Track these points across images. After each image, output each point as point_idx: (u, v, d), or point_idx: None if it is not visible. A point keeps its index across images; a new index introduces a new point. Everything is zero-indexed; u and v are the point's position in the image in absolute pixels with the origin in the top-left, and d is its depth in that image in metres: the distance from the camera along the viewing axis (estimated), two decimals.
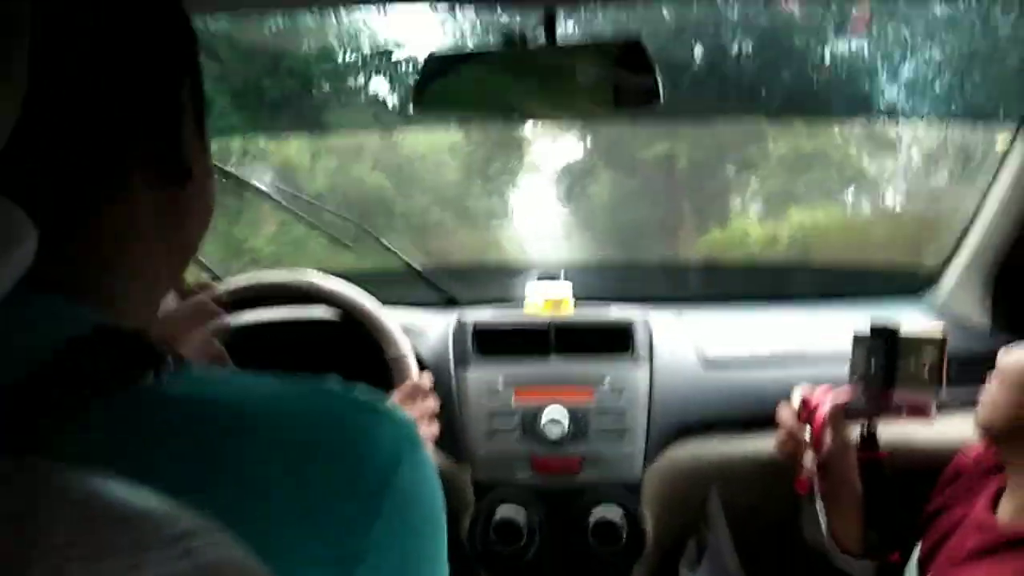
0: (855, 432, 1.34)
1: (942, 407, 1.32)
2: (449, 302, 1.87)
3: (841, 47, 2.03)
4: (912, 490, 1.35)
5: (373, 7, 1.55)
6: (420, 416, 1.27)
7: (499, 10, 1.15)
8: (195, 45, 0.55)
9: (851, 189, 2.21)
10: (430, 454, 1.27)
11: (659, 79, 1.12)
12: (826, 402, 1.31)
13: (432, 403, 1.30)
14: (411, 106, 1.33)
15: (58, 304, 0.46)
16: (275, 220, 2.24)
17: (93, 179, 0.48)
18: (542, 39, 1.17)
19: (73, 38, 0.46)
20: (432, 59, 1.27)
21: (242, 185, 1.85)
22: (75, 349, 0.43)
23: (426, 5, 1.35)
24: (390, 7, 1.49)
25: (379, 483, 0.46)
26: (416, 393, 1.29)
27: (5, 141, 0.38)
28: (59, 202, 0.47)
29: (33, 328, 0.44)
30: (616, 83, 1.14)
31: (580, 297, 1.76)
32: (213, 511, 0.37)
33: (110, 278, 0.50)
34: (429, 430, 1.28)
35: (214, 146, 0.61)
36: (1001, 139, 1.64)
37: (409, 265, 1.88)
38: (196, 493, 0.39)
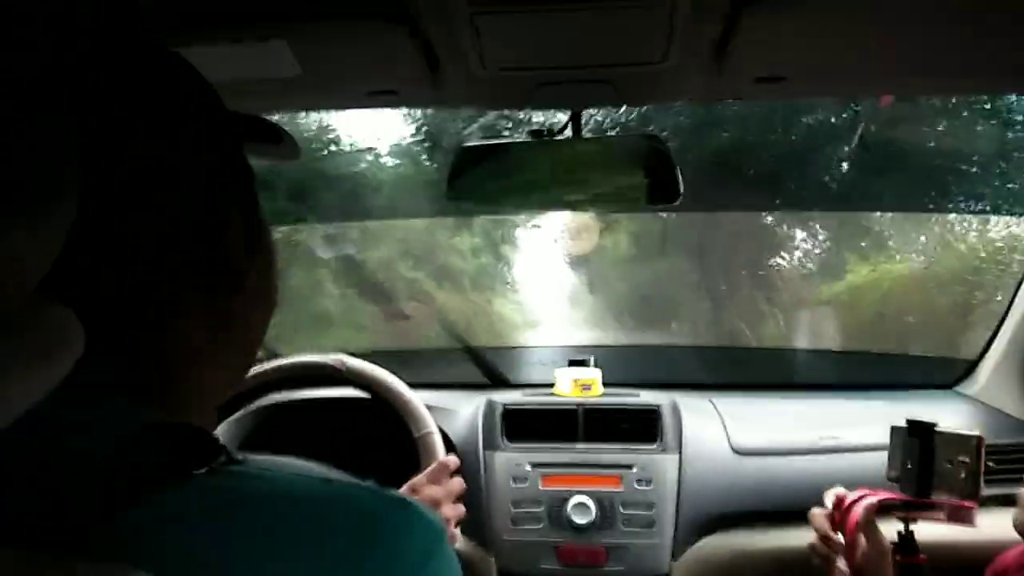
0: (892, 533, 1.30)
1: (981, 504, 1.27)
2: (495, 382, 1.89)
3: (876, 138, 2.06)
4: None
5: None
6: (446, 496, 1.26)
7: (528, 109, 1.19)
8: (239, 163, 0.58)
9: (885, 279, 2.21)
10: (456, 536, 1.28)
11: (679, 176, 1.15)
12: (860, 505, 1.27)
13: (458, 483, 1.30)
14: (445, 195, 1.38)
15: (119, 405, 0.48)
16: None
17: (148, 292, 0.50)
18: (569, 132, 1.21)
19: (126, 155, 0.49)
20: (464, 150, 1.33)
21: None
22: (126, 445, 0.45)
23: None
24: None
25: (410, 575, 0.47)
26: (443, 473, 1.29)
27: (59, 251, 0.41)
28: (120, 314, 0.50)
29: (91, 428, 0.46)
30: (639, 179, 1.17)
31: (610, 383, 1.76)
32: None
33: (170, 382, 0.52)
34: (455, 510, 1.28)
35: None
36: None
37: (464, 344, 1.91)
38: None
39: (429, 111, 1.81)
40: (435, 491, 1.25)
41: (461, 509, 1.29)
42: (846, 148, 2.09)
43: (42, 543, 0.39)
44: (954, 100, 1.95)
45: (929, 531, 1.31)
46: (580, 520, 1.44)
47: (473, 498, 1.50)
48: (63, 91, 0.43)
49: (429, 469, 1.29)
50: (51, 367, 0.42)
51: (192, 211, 0.52)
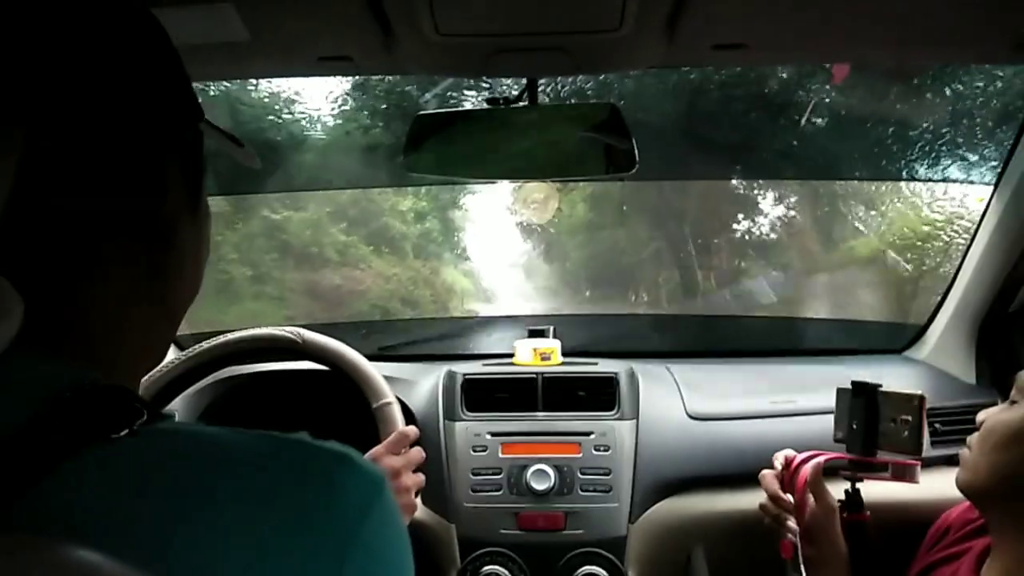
0: (839, 494, 1.34)
1: (926, 464, 1.31)
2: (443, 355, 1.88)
3: (829, 110, 2.09)
4: (897, 550, 1.34)
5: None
6: (406, 465, 1.26)
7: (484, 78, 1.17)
8: (189, 120, 0.58)
9: (837, 247, 2.25)
10: (416, 505, 1.28)
11: (634, 144, 1.15)
12: (808, 465, 1.30)
13: (417, 453, 1.31)
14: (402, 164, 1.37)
15: (42, 365, 0.48)
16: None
17: (77, 249, 0.50)
18: (524, 101, 1.20)
19: (65, 114, 0.48)
20: (419, 118, 1.31)
21: None
22: (53, 406, 0.44)
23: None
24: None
25: (346, 532, 0.47)
26: (402, 443, 1.29)
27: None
28: (45, 272, 0.49)
29: (13, 389, 0.45)
30: (594, 146, 1.17)
31: (568, 353, 1.78)
32: (180, 559, 0.38)
33: (99, 341, 0.52)
34: (414, 479, 1.28)
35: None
36: (979, 199, 1.67)
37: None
38: (163, 542, 0.40)
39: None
40: (394, 461, 1.25)
41: (421, 478, 1.29)
42: (801, 117, 2.12)
43: None
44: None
45: (876, 490, 1.35)
46: (539, 487, 1.46)
47: (434, 468, 1.51)
48: (10, 43, 0.42)
49: (388, 439, 1.29)
50: None
51: (135, 169, 0.52)
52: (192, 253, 0.59)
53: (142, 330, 0.55)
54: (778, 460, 1.35)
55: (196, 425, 0.49)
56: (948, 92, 2.00)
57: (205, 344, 1.47)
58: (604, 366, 1.69)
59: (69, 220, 0.49)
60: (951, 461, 1.37)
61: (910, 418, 1.28)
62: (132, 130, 0.51)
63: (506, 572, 1.41)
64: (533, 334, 1.77)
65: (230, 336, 1.48)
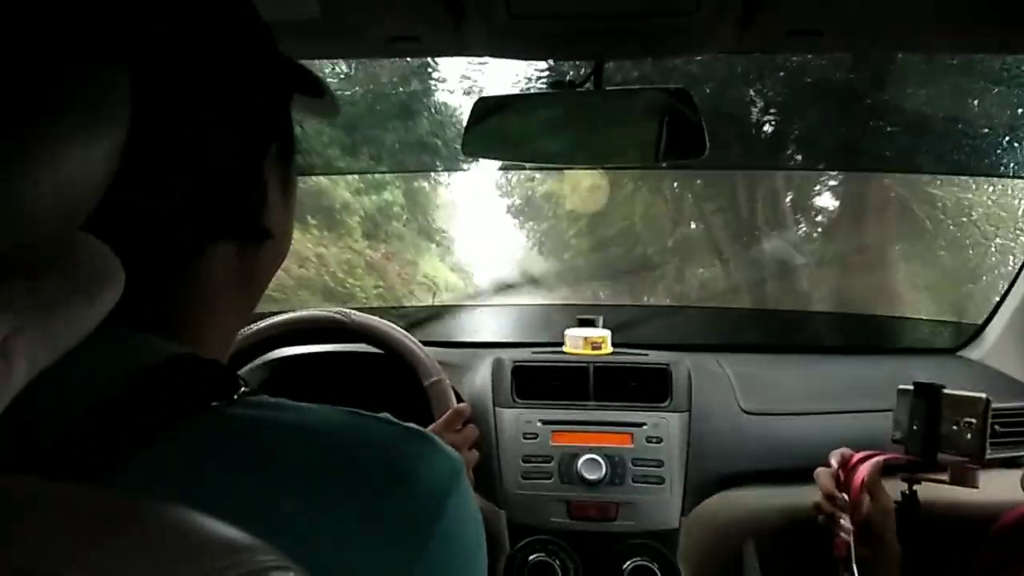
0: (895, 495, 1.32)
1: (986, 466, 1.29)
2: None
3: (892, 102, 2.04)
4: (952, 552, 1.32)
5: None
6: (463, 442, 1.28)
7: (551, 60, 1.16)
8: (285, 114, 0.57)
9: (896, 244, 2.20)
10: (472, 482, 1.28)
11: (704, 131, 1.13)
12: (865, 464, 1.29)
13: (472, 430, 1.31)
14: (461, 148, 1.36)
15: (142, 338, 0.48)
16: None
17: (183, 237, 0.50)
18: (591, 84, 1.19)
19: (172, 102, 0.47)
20: (481, 102, 1.30)
21: None
22: (152, 375, 0.45)
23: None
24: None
25: (430, 510, 0.47)
26: (457, 420, 1.30)
27: (103, 190, 0.39)
28: (151, 254, 0.49)
29: (111, 356, 0.46)
30: (662, 132, 1.16)
31: (617, 344, 1.76)
32: (269, 530, 0.38)
33: (193, 320, 0.52)
34: (470, 455, 1.29)
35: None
36: None
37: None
38: (255, 513, 0.40)
39: None
40: (453, 438, 1.26)
41: (476, 455, 1.31)
42: (856, 108, 2.07)
43: (65, 475, 0.39)
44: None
45: (933, 493, 1.33)
46: (591, 476, 1.45)
47: (484, 454, 1.50)
48: (119, 17, 0.41)
49: (444, 417, 1.30)
50: (98, 306, 0.41)
51: (234, 153, 0.51)
52: (284, 242, 0.60)
53: (232, 313, 0.56)
54: (834, 458, 1.33)
55: (286, 401, 0.50)
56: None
57: (254, 326, 1.48)
58: (655, 357, 1.67)
59: (175, 210, 0.49)
60: (1009, 463, 1.35)
61: (974, 421, 1.26)
62: (231, 106, 0.51)
63: (556, 560, 1.40)
64: (583, 323, 1.76)
65: (278, 318, 1.49)
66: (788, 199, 2.27)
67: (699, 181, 2.35)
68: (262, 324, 1.49)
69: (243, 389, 0.47)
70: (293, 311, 1.50)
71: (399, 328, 1.47)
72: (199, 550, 0.33)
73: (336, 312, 1.47)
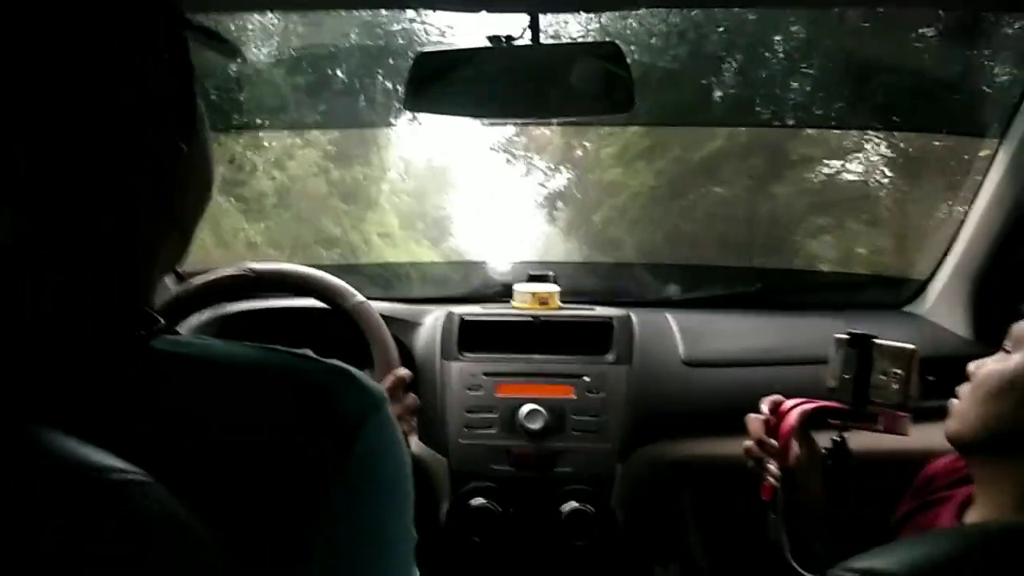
0: (825, 442, 1.34)
1: (916, 416, 1.32)
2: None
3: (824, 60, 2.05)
4: (882, 499, 1.36)
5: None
6: (402, 412, 1.28)
7: (485, 12, 1.17)
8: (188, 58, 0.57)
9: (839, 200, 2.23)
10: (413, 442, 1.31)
11: (632, 85, 1.14)
12: (795, 411, 1.31)
13: (414, 400, 1.32)
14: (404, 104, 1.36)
15: (56, 277, 0.49)
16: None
17: (81, 158, 0.50)
18: (527, 39, 1.20)
19: (59, 32, 0.47)
20: (421, 57, 1.31)
21: None
22: (63, 315, 0.47)
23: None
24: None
25: (344, 439, 0.49)
26: (398, 387, 1.30)
27: None
28: (49, 182, 0.49)
29: (24, 297, 0.47)
30: (594, 85, 1.17)
31: (568, 299, 1.79)
32: (182, 461, 0.40)
33: (107, 252, 0.52)
34: (409, 426, 1.30)
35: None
36: (983, 154, 1.65)
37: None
38: (169, 444, 0.42)
39: None
40: (393, 409, 1.25)
41: (415, 424, 1.33)
42: (804, 65, 2.08)
43: None
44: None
45: (865, 441, 1.36)
46: (532, 426, 1.48)
47: (430, 405, 1.54)
48: None
49: (384, 382, 1.30)
50: None
51: (136, 96, 0.52)
52: (202, 164, 0.59)
53: (152, 243, 0.56)
54: (765, 404, 1.35)
55: (205, 339, 0.51)
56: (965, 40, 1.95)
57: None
58: (601, 311, 1.70)
59: (67, 129, 0.49)
60: (941, 413, 1.38)
61: (901, 371, 1.28)
62: (131, 55, 0.51)
63: (495, 504, 1.44)
64: (533, 279, 1.78)
65: (182, 286, 1.48)
66: (733, 154, 2.29)
67: (647, 137, 2.37)
68: (172, 292, 1.48)
69: (160, 326, 0.49)
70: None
71: (304, 266, 1.47)
72: (59, 466, 0.36)
73: (238, 268, 1.46)
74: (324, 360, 0.53)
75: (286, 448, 0.47)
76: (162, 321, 0.50)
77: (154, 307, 0.53)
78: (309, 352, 0.54)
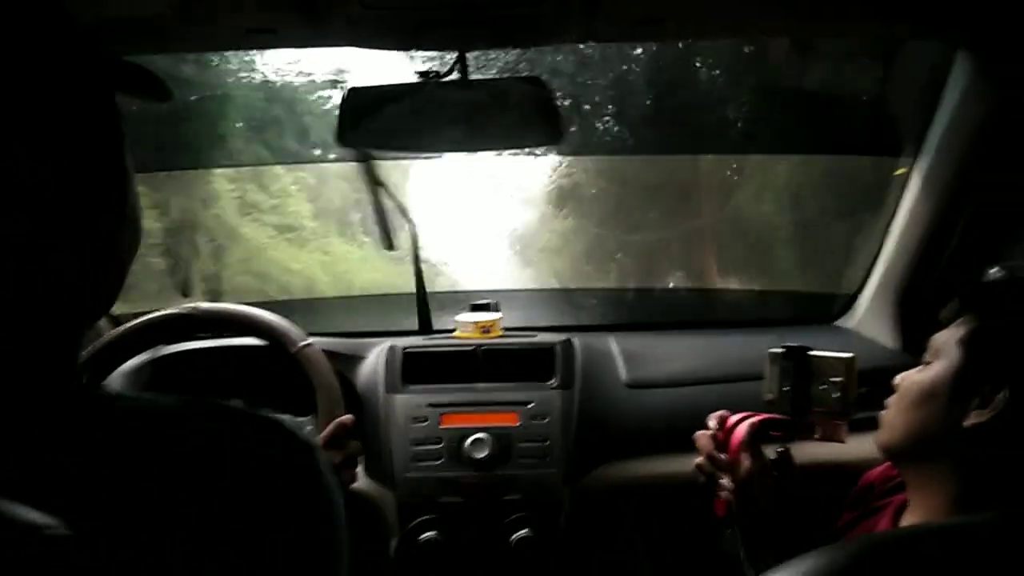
0: (770, 454, 1.37)
1: (852, 426, 1.35)
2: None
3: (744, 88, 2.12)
4: (826, 508, 1.39)
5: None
6: (344, 460, 1.26)
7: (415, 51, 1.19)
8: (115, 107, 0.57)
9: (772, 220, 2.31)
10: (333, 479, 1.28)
11: (560, 118, 1.17)
12: (743, 425, 1.34)
13: (356, 447, 1.30)
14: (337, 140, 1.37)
15: None
16: None
17: (30, 222, 0.49)
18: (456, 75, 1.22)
19: None
20: (353, 92, 1.32)
21: None
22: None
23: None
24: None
25: (267, 491, 0.49)
26: (340, 434, 1.28)
27: None
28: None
29: None
30: (522, 120, 1.19)
31: (513, 328, 1.80)
32: (108, 516, 0.40)
33: (44, 308, 0.51)
34: (350, 474, 1.29)
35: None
36: (900, 170, 1.72)
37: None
38: (94, 498, 0.42)
39: None
40: (333, 456, 1.23)
41: (357, 472, 1.33)
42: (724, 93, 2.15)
43: None
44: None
45: (808, 452, 1.39)
46: (478, 455, 1.48)
47: (375, 440, 1.53)
48: None
49: (326, 432, 1.27)
50: None
51: (62, 152, 0.51)
52: (130, 222, 0.58)
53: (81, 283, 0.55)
54: (712, 420, 1.37)
55: (130, 393, 0.51)
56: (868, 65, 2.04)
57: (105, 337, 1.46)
58: (543, 338, 1.72)
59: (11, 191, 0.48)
60: (875, 424, 1.42)
61: (840, 379, 1.32)
62: (52, 111, 0.51)
63: (444, 537, 1.44)
64: (476, 308, 1.79)
65: (124, 326, 1.46)
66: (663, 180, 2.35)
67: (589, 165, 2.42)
68: (110, 334, 1.46)
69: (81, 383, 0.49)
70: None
71: (251, 307, 1.46)
72: None
73: (183, 308, 1.45)
74: (255, 412, 0.53)
75: (211, 499, 0.47)
76: (85, 380, 0.50)
77: (78, 358, 0.53)
78: (238, 404, 0.54)
